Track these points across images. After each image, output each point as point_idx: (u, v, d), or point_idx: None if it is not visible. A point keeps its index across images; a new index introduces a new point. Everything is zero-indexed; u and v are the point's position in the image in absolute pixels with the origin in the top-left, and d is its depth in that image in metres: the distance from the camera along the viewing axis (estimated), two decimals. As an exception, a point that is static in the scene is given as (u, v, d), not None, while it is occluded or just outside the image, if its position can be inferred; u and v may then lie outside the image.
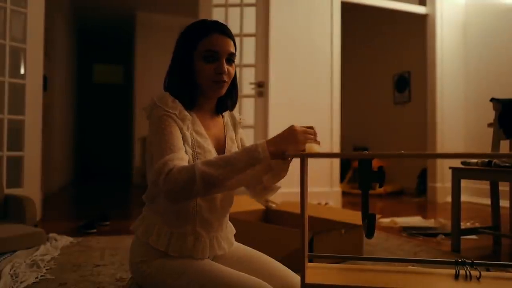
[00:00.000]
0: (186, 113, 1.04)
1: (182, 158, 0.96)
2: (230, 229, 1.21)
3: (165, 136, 0.98)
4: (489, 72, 4.72)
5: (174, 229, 1.05)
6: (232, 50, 1.09)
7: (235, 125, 1.22)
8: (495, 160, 2.26)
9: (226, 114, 1.21)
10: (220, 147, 1.13)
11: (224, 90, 1.10)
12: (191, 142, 1.04)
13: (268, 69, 3.94)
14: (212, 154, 1.07)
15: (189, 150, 1.02)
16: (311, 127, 1.00)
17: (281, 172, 1.06)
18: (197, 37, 1.06)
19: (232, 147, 1.16)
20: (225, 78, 1.07)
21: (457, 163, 2.62)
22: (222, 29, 1.08)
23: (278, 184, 1.13)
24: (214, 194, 1.06)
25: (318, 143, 0.98)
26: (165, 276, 1.02)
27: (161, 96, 1.04)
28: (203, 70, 1.06)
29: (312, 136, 0.97)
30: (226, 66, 1.06)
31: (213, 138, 1.11)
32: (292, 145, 0.95)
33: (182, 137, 1.01)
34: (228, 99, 1.16)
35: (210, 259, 1.11)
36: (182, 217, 1.05)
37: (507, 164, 2.20)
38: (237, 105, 1.22)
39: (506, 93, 3.30)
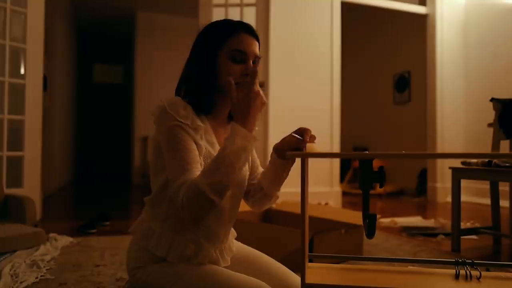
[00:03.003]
0: (199, 122, 0.99)
1: (195, 176, 0.93)
2: (231, 235, 1.18)
3: (179, 151, 0.94)
4: (489, 72, 4.72)
5: (176, 235, 1.02)
6: (258, 52, 1.05)
7: None
8: (495, 160, 2.26)
9: None
10: None
11: None
12: (204, 153, 1.00)
13: (268, 69, 3.94)
14: None
15: (201, 161, 0.99)
16: (305, 130, 0.99)
17: (282, 174, 1.05)
18: (225, 35, 1.02)
19: None
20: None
21: (457, 163, 2.62)
22: (250, 30, 1.04)
23: (278, 193, 1.11)
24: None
25: (314, 138, 0.97)
26: (161, 282, 1.00)
27: (172, 102, 0.98)
28: (230, 70, 1.00)
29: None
30: None
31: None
32: (254, 107, 0.93)
33: (197, 148, 0.98)
34: None
35: None
36: (185, 224, 1.02)
37: (507, 164, 2.20)
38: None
39: (506, 93, 3.30)
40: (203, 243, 1.03)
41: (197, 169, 0.94)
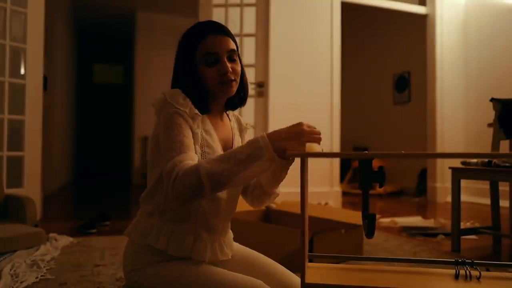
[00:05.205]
0: (196, 111, 1.01)
1: (192, 158, 0.94)
2: (230, 233, 1.19)
3: (175, 134, 0.95)
4: (489, 72, 4.72)
5: (175, 226, 1.02)
6: (231, 47, 1.06)
7: (241, 130, 1.21)
8: (495, 160, 2.26)
9: (233, 117, 1.20)
10: (227, 149, 1.10)
11: (234, 89, 1.07)
12: (200, 141, 1.02)
13: (268, 69, 3.94)
14: None
15: (198, 150, 1.00)
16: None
17: (281, 173, 1.05)
18: (195, 42, 1.04)
19: None
20: (231, 76, 1.05)
21: (457, 163, 2.62)
22: (216, 29, 1.05)
23: (277, 190, 1.11)
24: (224, 190, 1.01)
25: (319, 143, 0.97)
26: (159, 284, 0.99)
27: (172, 92, 1.01)
28: (207, 75, 1.04)
29: (318, 137, 0.94)
30: (229, 64, 1.04)
31: (221, 139, 1.09)
32: (295, 144, 0.92)
33: (192, 136, 0.99)
34: (235, 97, 1.12)
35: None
36: (183, 215, 1.02)
37: (507, 164, 2.20)
38: (237, 106, 1.22)
39: (506, 93, 3.30)
40: (201, 233, 1.04)
41: (193, 153, 0.96)
